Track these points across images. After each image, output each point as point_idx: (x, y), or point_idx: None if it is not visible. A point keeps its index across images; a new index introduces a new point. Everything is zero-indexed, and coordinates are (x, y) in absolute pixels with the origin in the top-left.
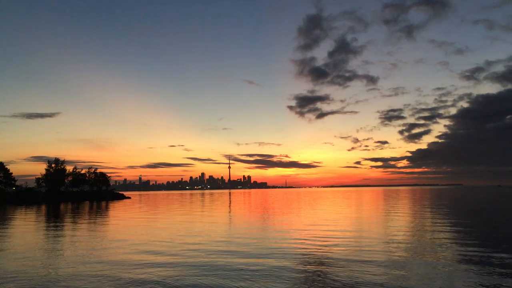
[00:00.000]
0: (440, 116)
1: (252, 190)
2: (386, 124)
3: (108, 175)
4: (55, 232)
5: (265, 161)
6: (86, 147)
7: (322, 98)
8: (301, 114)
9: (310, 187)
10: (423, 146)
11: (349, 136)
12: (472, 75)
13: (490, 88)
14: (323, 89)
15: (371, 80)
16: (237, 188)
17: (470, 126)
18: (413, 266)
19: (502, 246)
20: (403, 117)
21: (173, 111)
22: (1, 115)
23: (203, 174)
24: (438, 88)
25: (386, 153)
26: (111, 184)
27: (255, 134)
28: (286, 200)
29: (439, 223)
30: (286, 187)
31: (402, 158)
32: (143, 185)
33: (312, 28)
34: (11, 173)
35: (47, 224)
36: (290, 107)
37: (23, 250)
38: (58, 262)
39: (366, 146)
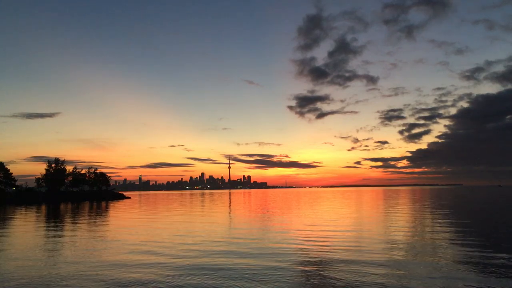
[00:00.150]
0: (440, 116)
1: (252, 190)
2: (386, 124)
3: (108, 175)
4: (55, 232)
5: (265, 161)
6: (86, 147)
7: (322, 98)
8: (301, 114)
9: (310, 187)
10: (423, 146)
11: (349, 136)
12: (472, 75)
13: (490, 88)
14: (323, 89)
15: (371, 80)
16: (237, 188)
17: (470, 126)
18: (413, 266)
19: (502, 246)
20: (403, 117)
21: (173, 111)
22: (1, 115)
23: (203, 174)
24: (438, 88)
25: (386, 153)
26: (111, 184)
27: (255, 134)
28: (286, 200)
29: (439, 223)
30: (286, 187)
31: (402, 158)
32: (143, 185)
33: (312, 28)
34: (11, 173)
35: (47, 224)
36: (290, 107)
37: (23, 250)
38: (58, 262)
39: (366, 146)
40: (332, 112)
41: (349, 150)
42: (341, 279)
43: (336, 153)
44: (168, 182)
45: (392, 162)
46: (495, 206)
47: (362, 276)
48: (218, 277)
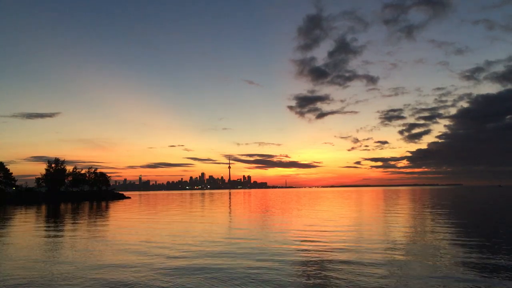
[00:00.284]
0: (440, 116)
1: (252, 190)
2: (386, 124)
3: (108, 175)
4: (55, 232)
5: (265, 161)
6: (86, 147)
7: (322, 98)
8: (301, 114)
9: (310, 187)
10: (423, 146)
11: (349, 136)
12: (472, 75)
13: (490, 88)
14: (323, 89)
15: (371, 80)
16: (237, 188)
17: (470, 126)
18: (413, 266)
19: (503, 246)
20: (403, 117)
21: (173, 111)
22: (1, 115)
23: (203, 174)
24: (438, 88)
25: (386, 153)
26: (111, 184)
27: (255, 134)
28: (286, 200)
29: (439, 223)
30: (286, 187)
31: (402, 158)
32: (143, 185)
33: (312, 28)
34: (11, 173)
35: (47, 224)
36: (290, 107)
37: (23, 250)
38: (58, 262)
39: (366, 146)
40: (332, 112)
41: (349, 150)
42: (341, 279)
43: (336, 153)
44: (168, 182)
45: (392, 162)
46: (495, 206)
47: (362, 276)
48: (219, 277)
